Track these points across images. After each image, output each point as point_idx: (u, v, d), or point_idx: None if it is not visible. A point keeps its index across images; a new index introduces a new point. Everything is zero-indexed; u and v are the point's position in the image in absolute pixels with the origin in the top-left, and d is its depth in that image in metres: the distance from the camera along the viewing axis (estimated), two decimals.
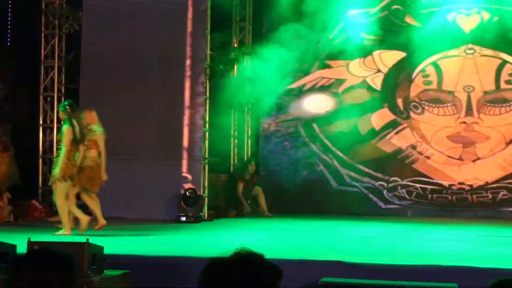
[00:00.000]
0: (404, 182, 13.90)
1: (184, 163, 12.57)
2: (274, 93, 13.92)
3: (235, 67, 13.94)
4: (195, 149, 12.61)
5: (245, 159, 14.21)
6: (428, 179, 13.82)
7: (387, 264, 6.59)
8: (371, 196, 14.04)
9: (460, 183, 13.71)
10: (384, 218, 13.00)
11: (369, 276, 6.34)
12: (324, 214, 13.28)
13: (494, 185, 13.54)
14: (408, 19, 13.98)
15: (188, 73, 12.58)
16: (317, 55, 14.17)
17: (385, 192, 13.97)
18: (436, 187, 13.76)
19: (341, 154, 14.15)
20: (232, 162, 14.27)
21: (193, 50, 12.61)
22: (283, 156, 14.42)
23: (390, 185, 13.94)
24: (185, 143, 12.59)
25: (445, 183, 13.76)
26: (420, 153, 13.88)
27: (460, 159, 13.76)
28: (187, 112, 12.62)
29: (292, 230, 11.18)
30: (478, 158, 13.70)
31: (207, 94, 12.97)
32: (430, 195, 13.79)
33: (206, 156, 12.92)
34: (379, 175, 14.01)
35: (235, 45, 14.07)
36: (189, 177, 12.52)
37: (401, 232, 10.82)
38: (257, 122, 14.57)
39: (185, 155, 12.60)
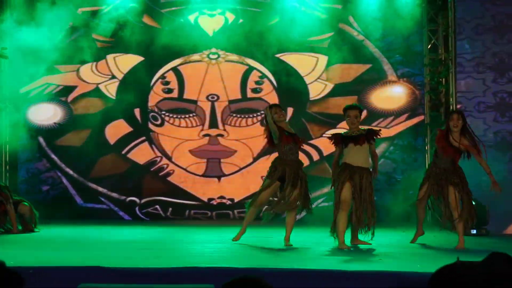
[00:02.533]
0: (147, 200, 12.51)
1: None
2: (15, 99, 12.56)
3: None
4: None
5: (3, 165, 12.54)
6: (168, 198, 12.47)
7: (145, 268, 6.67)
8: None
9: (205, 202, 12.48)
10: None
11: (128, 280, 6.39)
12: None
13: (240, 203, 12.30)
14: (146, 19, 12.57)
15: None
16: (44, 58, 12.27)
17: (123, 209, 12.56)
18: (178, 205, 12.51)
19: (70, 171, 12.49)
20: None
21: None
22: (22, 169, 12.67)
23: (134, 202, 12.57)
24: None
25: (188, 202, 12.49)
26: (161, 169, 12.50)
27: (205, 175, 12.52)
28: None
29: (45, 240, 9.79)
30: (224, 174, 12.53)
31: None
32: (171, 213, 12.52)
33: None
34: (115, 194, 12.52)
35: None
36: None
37: (158, 236, 10.12)
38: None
39: None
